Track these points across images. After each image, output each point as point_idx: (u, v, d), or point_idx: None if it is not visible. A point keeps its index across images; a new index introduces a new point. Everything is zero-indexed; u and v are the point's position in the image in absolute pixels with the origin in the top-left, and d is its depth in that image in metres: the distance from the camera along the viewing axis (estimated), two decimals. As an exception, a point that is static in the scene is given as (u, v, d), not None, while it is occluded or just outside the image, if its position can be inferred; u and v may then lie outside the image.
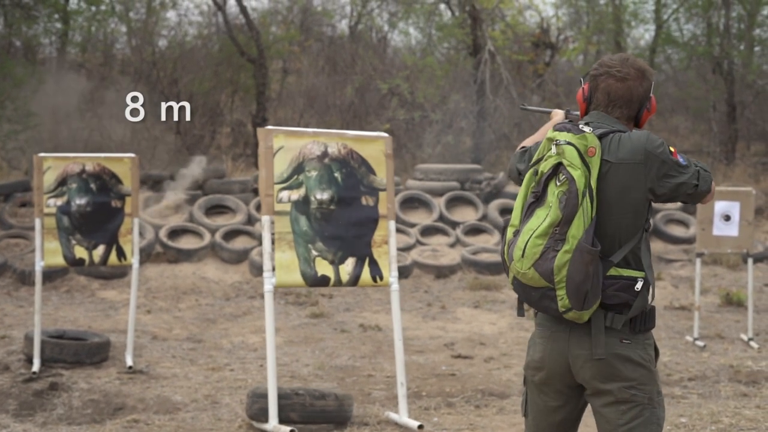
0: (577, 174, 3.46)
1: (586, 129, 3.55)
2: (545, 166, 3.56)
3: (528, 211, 3.57)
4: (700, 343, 10.36)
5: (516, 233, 3.59)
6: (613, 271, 3.53)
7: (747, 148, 23.29)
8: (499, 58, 20.62)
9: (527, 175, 3.64)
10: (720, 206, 10.46)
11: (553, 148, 3.54)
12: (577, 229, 3.44)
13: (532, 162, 3.66)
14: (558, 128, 3.59)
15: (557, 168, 3.52)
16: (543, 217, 3.49)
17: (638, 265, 3.57)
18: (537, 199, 3.56)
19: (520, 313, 3.83)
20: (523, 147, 3.94)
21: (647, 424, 3.58)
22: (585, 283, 3.43)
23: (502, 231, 3.69)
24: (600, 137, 3.55)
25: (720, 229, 10.46)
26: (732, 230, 10.46)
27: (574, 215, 3.44)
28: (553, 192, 3.51)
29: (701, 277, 11.50)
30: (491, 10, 22.12)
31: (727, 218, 10.45)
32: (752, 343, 10.37)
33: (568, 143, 3.51)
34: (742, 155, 22.42)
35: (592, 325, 3.54)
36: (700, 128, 24.18)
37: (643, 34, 26.60)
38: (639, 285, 3.54)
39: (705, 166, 3.67)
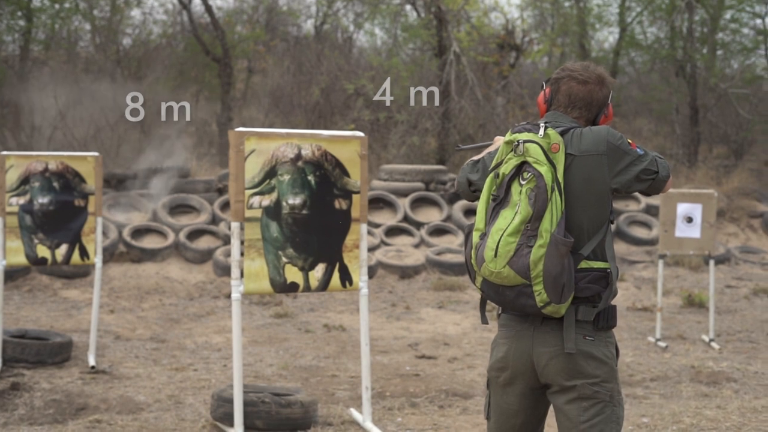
0: (543, 169, 3.51)
1: (542, 127, 3.62)
2: (506, 168, 3.60)
3: (493, 214, 3.61)
4: (662, 343, 10.43)
5: (483, 236, 3.61)
6: (583, 264, 3.59)
7: (709, 151, 23.47)
8: (464, 59, 20.65)
9: (488, 180, 3.67)
10: (682, 208, 10.55)
11: (515, 149, 3.59)
12: (549, 223, 3.48)
13: (491, 167, 3.70)
14: (516, 130, 3.65)
15: (520, 167, 3.57)
16: (511, 217, 3.53)
17: (604, 256, 3.63)
18: (500, 201, 3.60)
19: (484, 320, 3.85)
20: (473, 160, 3.98)
21: (608, 422, 3.62)
22: (562, 275, 3.48)
23: (466, 235, 3.71)
24: (561, 134, 3.63)
25: (682, 231, 10.54)
26: (694, 232, 10.55)
27: (544, 210, 3.49)
28: (518, 191, 3.55)
29: (663, 278, 11.59)
30: (457, 12, 22.17)
31: (690, 220, 10.53)
32: (713, 344, 10.46)
33: (531, 141, 3.57)
34: (704, 158, 22.59)
35: (564, 319, 3.59)
36: (663, 130, 24.34)
37: (607, 36, 26.78)
38: (609, 276, 3.61)
39: (660, 155, 3.76)
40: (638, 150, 3.67)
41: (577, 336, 3.59)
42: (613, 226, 3.80)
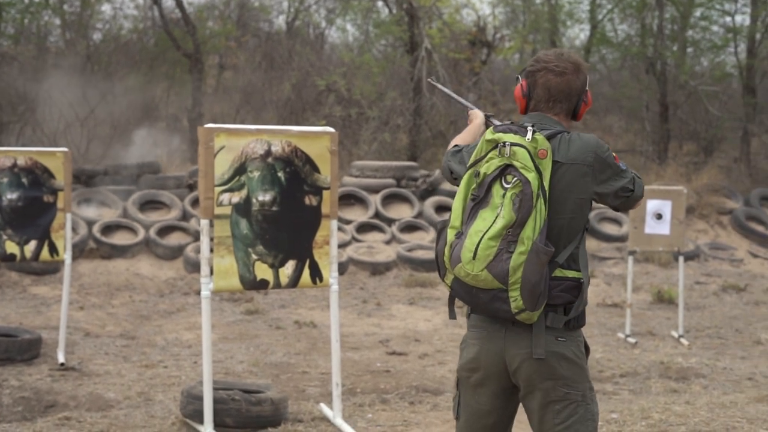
0: (531, 176, 3.45)
1: (530, 132, 3.54)
2: (488, 168, 3.52)
3: (471, 213, 3.54)
4: (631, 339, 10.49)
5: (459, 235, 3.55)
6: (558, 272, 3.54)
7: (679, 148, 23.60)
8: (435, 55, 20.67)
9: (466, 176, 3.60)
10: (652, 205, 10.60)
11: (500, 149, 3.51)
12: (531, 231, 3.43)
13: (469, 163, 3.62)
14: (501, 129, 3.57)
15: (504, 170, 3.50)
16: (491, 219, 3.47)
17: (578, 265, 3.59)
18: (479, 201, 3.53)
19: (452, 315, 3.80)
20: (456, 145, 3.93)
21: (583, 421, 3.60)
22: (539, 284, 3.43)
23: (439, 231, 3.64)
24: (548, 138, 3.56)
25: (652, 227, 10.60)
26: (664, 229, 10.61)
27: (528, 217, 3.43)
28: (500, 193, 3.48)
29: (633, 274, 11.65)
30: (428, 8, 22.17)
31: (659, 217, 10.59)
32: (682, 340, 10.53)
33: (518, 145, 3.50)
34: (674, 155, 22.71)
35: (534, 325, 3.55)
36: (634, 127, 24.46)
37: (578, 33, 26.88)
38: (582, 286, 3.57)
39: (638, 174, 3.75)
40: (621, 165, 3.65)
41: (549, 337, 3.56)
42: (588, 228, 3.73)
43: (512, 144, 3.49)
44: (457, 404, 3.83)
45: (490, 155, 3.55)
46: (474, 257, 3.47)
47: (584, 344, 3.68)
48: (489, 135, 3.58)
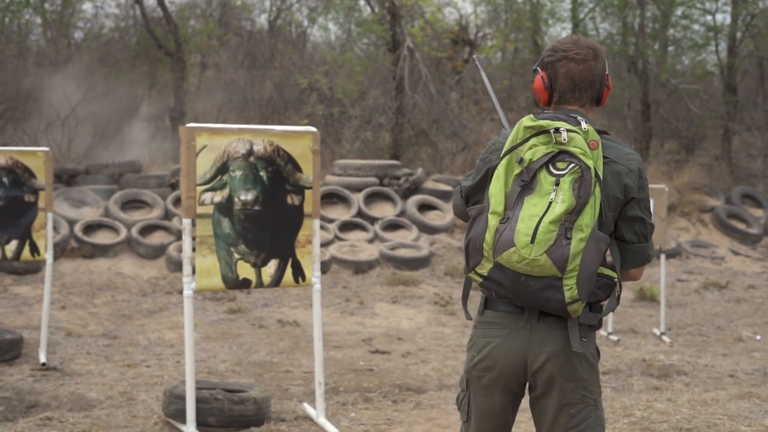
0: (590, 163, 3.34)
1: (583, 122, 3.44)
2: (533, 154, 3.39)
3: (517, 199, 3.38)
4: (614, 337, 10.52)
5: (505, 220, 3.37)
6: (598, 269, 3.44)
7: (661, 146, 23.68)
8: (418, 54, 20.66)
9: (504, 161, 3.43)
10: (634, 203, 10.63)
11: (552, 135, 3.38)
12: (590, 218, 3.31)
13: (505, 149, 3.45)
14: (547, 117, 3.45)
15: (554, 157, 3.38)
16: (543, 205, 3.33)
17: (612, 266, 3.51)
18: (524, 187, 3.38)
19: (469, 316, 3.67)
20: (460, 183, 3.77)
21: (593, 426, 3.54)
22: (595, 274, 3.33)
23: (474, 218, 3.45)
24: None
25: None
26: (645, 227, 10.62)
27: (586, 204, 3.31)
28: (549, 180, 3.35)
29: (615, 272, 11.64)
30: (410, 7, 22.17)
31: (641, 215, 10.61)
32: (664, 338, 10.57)
33: (574, 132, 3.39)
34: (656, 153, 22.79)
35: (569, 319, 3.44)
36: (615, 126, 24.49)
37: (560, 32, 26.84)
38: (616, 285, 3.50)
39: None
40: (650, 206, 3.57)
41: (576, 337, 3.47)
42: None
43: (568, 130, 3.38)
44: (467, 405, 3.70)
45: (532, 141, 3.41)
46: (533, 241, 3.30)
47: (596, 348, 3.62)
48: (529, 122, 3.43)
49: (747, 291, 14.38)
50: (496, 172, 3.45)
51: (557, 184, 3.35)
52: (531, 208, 3.34)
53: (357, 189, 16.66)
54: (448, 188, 17.19)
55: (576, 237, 3.30)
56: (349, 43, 25.58)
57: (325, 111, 20.33)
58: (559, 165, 3.37)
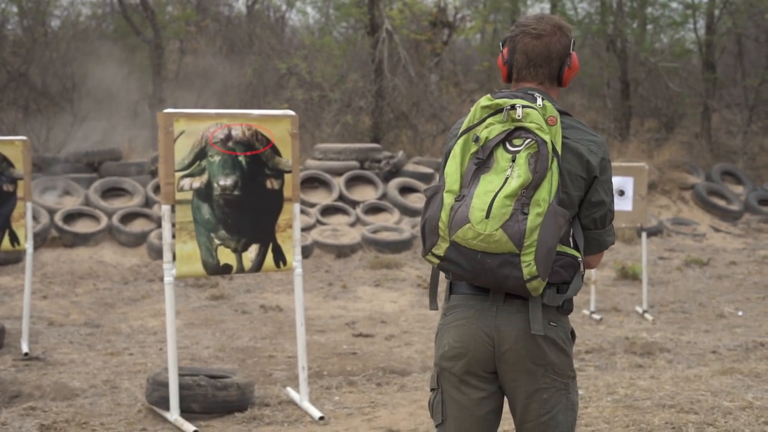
0: (547, 137, 3.26)
1: (539, 98, 3.37)
2: (490, 132, 3.31)
3: (473, 177, 3.29)
4: (596, 316, 10.55)
5: (460, 198, 3.27)
6: (558, 247, 3.35)
7: (641, 125, 23.73)
8: (396, 37, 20.63)
9: (460, 141, 3.35)
10: (614, 181, 10.63)
11: (507, 113, 3.31)
12: (546, 193, 3.22)
13: (462, 130, 3.38)
14: (504, 95, 3.37)
15: (510, 134, 3.30)
16: (499, 182, 3.24)
17: (575, 244, 3.44)
18: (480, 165, 3.30)
19: (434, 306, 3.57)
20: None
21: (564, 411, 3.47)
22: (554, 249, 3.23)
23: (429, 198, 3.36)
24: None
25: (614, 204, 10.64)
26: (626, 205, 10.66)
27: (543, 178, 3.22)
28: (506, 157, 3.27)
29: (597, 251, 11.65)
30: (388, -11, 22.13)
31: (621, 193, 10.64)
32: (647, 315, 10.60)
33: (530, 107, 3.31)
34: (635, 131, 22.84)
35: (531, 299, 3.35)
36: (595, 105, 24.55)
37: (539, 12, 26.84)
38: (580, 266, 3.42)
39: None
40: (612, 191, 3.51)
41: (543, 320, 3.37)
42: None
43: (524, 107, 3.31)
44: (440, 404, 3.53)
45: (489, 120, 3.34)
46: (487, 216, 3.20)
47: (571, 331, 3.53)
48: (486, 101, 3.37)
49: (728, 267, 14.44)
50: (452, 151, 3.38)
51: (513, 161, 3.27)
52: (487, 185, 3.26)
53: (338, 173, 16.63)
54: (429, 170, 17.19)
55: (533, 212, 3.21)
56: (327, 26, 25.53)
57: (305, 95, 20.29)
58: (516, 141, 3.30)
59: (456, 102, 22.21)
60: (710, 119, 22.49)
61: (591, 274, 11.01)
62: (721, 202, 18.30)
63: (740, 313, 10.85)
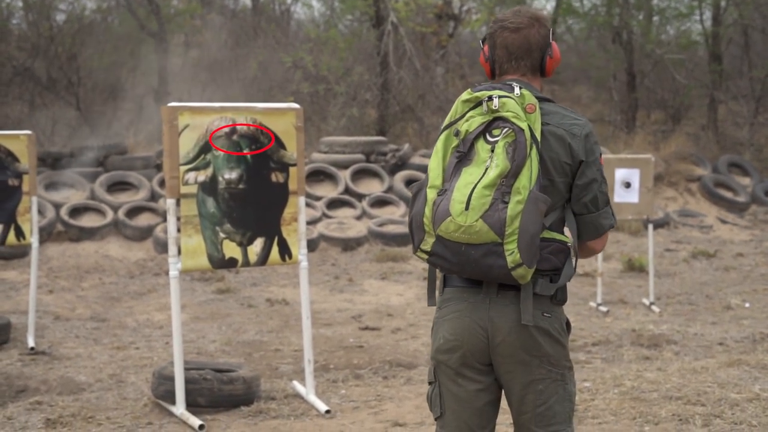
0: (524, 125, 3.27)
1: (517, 87, 3.38)
2: (470, 125, 3.34)
3: (454, 171, 3.32)
4: (603, 308, 10.53)
5: (442, 192, 3.30)
6: (545, 234, 3.36)
7: (647, 117, 23.68)
8: (402, 29, 20.59)
9: (442, 137, 3.39)
10: (620, 173, 10.62)
11: (485, 104, 3.34)
12: (527, 180, 3.23)
13: (444, 125, 3.42)
14: (483, 88, 3.40)
15: (488, 125, 3.33)
16: (479, 173, 3.27)
17: (562, 230, 3.45)
18: (461, 159, 3.32)
19: (432, 302, 3.58)
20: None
21: (561, 401, 3.48)
22: (537, 235, 3.24)
23: (414, 195, 3.41)
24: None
25: (621, 196, 10.62)
26: (632, 197, 10.63)
27: (522, 166, 3.23)
28: (485, 148, 3.29)
29: (603, 243, 11.62)
30: (394, -18, 22.08)
31: (628, 185, 10.61)
32: (653, 307, 10.58)
33: (507, 97, 3.33)
34: (642, 123, 22.79)
35: (522, 289, 3.36)
36: (602, 97, 24.52)
37: (544, 4, 26.79)
38: (570, 251, 3.43)
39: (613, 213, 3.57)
40: (602, 170, 3.49)
41: (535, 311, 3.38)
42: None
43: (500, 96, 3.33)
44: (438, 397, 3.55)
45: (469, 114, 3.38)
46: (467, 207, 3.23)
47: (566, 322, 3.53)
48: (466, 96, 3.41)
49: (735, 259, 14.41)
50: (435, 147, 3.41)
51: (492, 151, 3.29)
52: (467, 177, 3.28)
53: (344, 166, 16.61)
54: (435, 163, 17.14)
55: (513, 200, 3.22)
56: (332, 19, 25.47)
57: (311, 89, 20.25)
58: (494, 132, 3.32)
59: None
60: (717, 111, 22.42)
61: (598, 266, 11.00)
62: (728, 194, 18.25)
63: (747, 305, 10.82)
